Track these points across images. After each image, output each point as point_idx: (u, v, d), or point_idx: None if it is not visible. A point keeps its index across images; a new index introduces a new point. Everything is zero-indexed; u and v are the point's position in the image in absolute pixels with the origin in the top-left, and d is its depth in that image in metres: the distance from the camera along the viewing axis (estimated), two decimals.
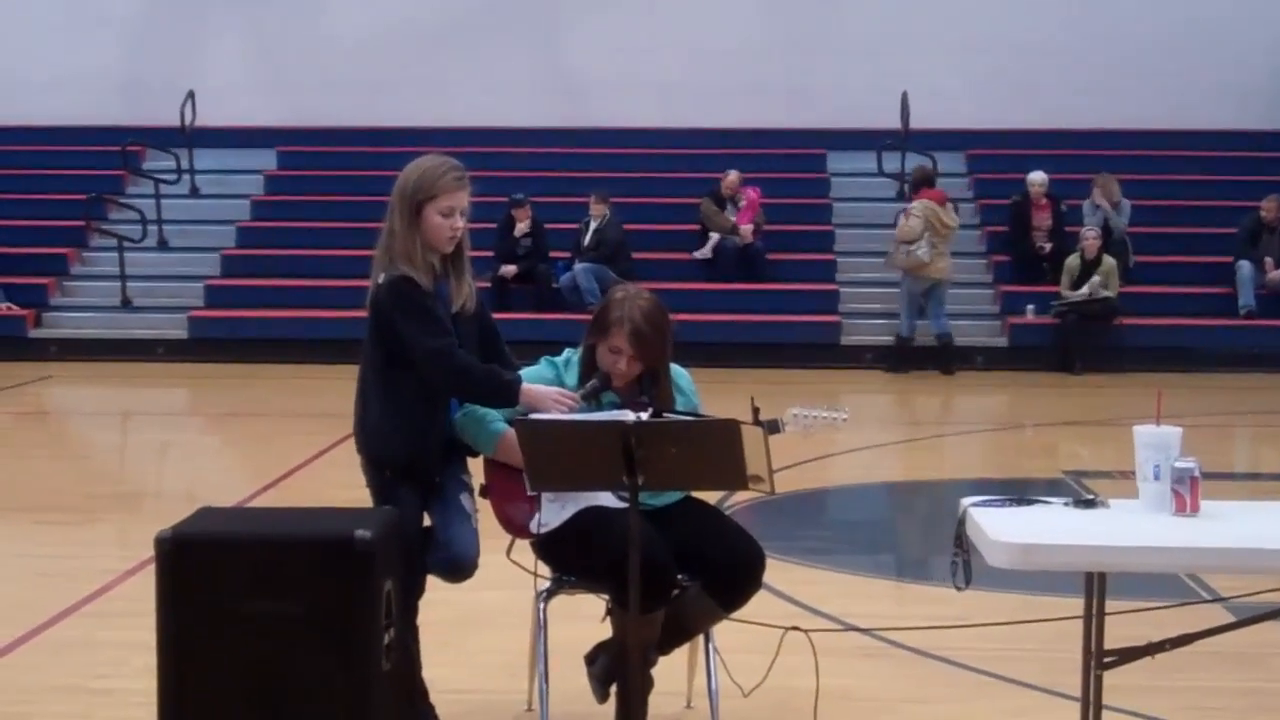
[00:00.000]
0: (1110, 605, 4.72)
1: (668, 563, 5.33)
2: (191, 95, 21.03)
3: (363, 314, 5.49)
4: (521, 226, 18.66)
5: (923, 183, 18.47)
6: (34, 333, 18.83)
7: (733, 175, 19.38)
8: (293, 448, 12.15)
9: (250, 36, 22.59)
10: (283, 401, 15.85)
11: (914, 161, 19.93)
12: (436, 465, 5.52)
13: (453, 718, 5.67)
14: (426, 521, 5.55)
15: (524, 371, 5.57)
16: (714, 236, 19.28)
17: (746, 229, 19.16)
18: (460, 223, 5.44)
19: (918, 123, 20.25)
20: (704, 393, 5.82)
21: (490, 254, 17.97)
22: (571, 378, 5.62)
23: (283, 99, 22.21)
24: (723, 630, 5.71)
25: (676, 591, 5.45)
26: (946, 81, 21.24)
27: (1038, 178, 19.08)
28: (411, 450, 5.44)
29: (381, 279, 5.39)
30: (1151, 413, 4.77)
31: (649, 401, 5.37)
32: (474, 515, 5.57)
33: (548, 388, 5.47)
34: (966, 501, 4.79)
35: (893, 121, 20.21)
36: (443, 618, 6.07)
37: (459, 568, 5.51)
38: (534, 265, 18.67)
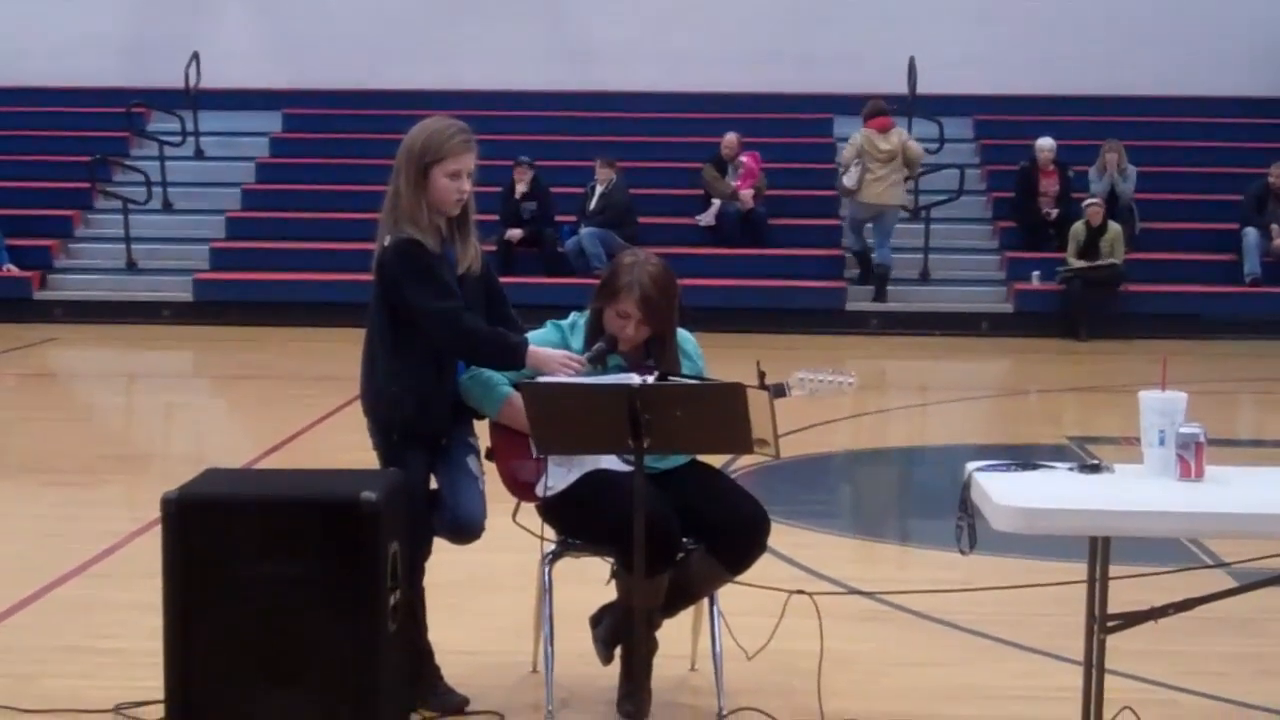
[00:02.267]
0: (1113, 570, 4.74)
1: (673, 526, 5.34)
2: (196, 57, 20.96)
3: (369, 277, 5.49)
4: (520, 188, 18.63)
5: (871, 114, 18.73)
6: (39, 295, 18.83)
7: (731, 136, 19.35)
8: (298, 410, 12.16)
9: None
10: (288, 364, 15.86)
11: (921, 128, 19.91)
12: (444, 428, 5.52)
13: (458, 679, 5.68)
14: (433, 484, 5.57)
15: (529, 335, 5.57)
16: (716, 202, 19.26)
17: (747, 194, 19.13)
18: (467, 185, 5.44)
19: (925, 88, 20.18)
20: (709, 357, 5.83)
21: (495, 218, 17.95)
22: (577, 341, 5.62)
23: (288, 62, 22.17)
24: (727, 593, 5.72)
25: (681, 555, 5.47)
26: (954, 47, 21.16)
27: (1045, 144, 19.06)
28: (419, 413, 5.44)
29: (388, 241, 5.39)
30: (1157, 379, 4.77)
31: (655, 365, 5.37)
32: (481, 477, 5.58)
33: (554, 350, 5.47)
34: (971, 466, 4.80)
35: (900, 87, 20.13)
36: (449, 580, 6.09)
37: (466, 529, 5.53)
38: (539, 229, 18.65)
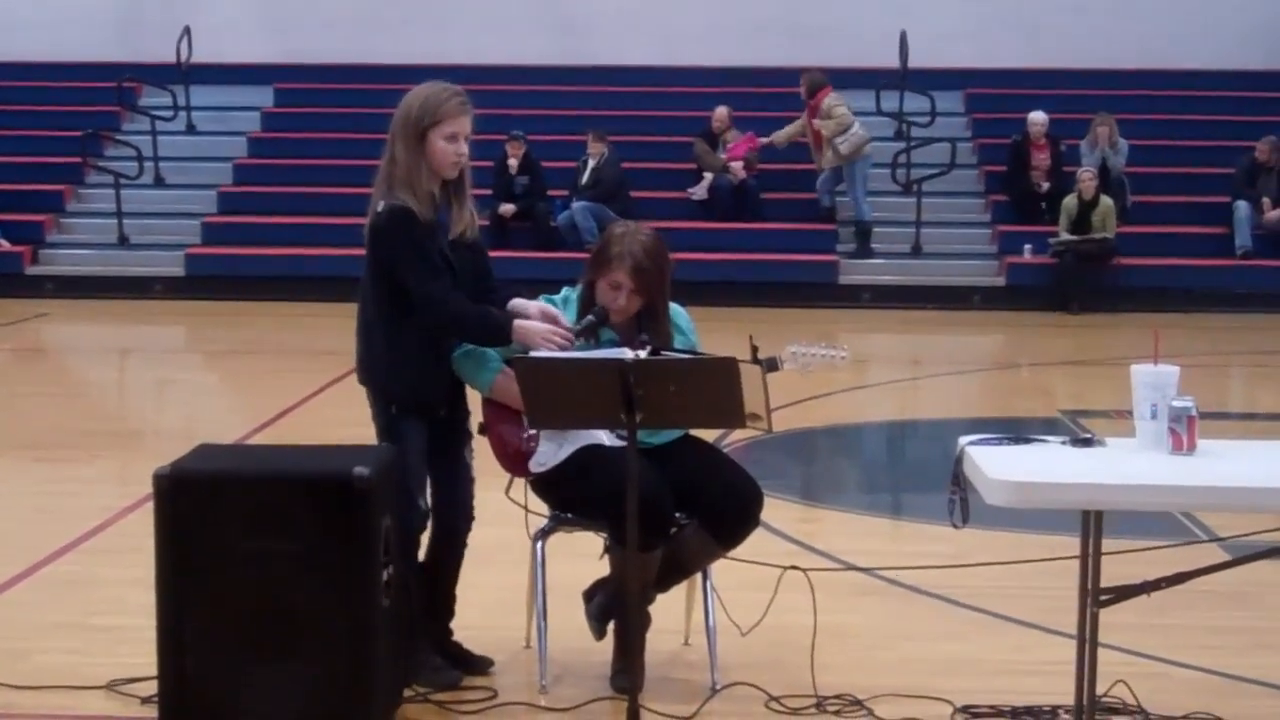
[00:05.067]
0: (1106, 544, 4.74)
1: (666, 500, 5.34)
2: (188, 31, 20.90)
3: (360, 251, 5.47)
4: (512, 162, 18.60)
5: (819, 86, 19.10)
6: (30, 269, 18.78)
7: (721, 110, 19.35)
8: (291, 385, 12.14)
9: None
10: (280, 339, 15.85)
11: (913, 102, 19.88)
12: (442, 397, 5.51)
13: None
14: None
15: None
16: (708, 176, 19.24)
17: (736, 166, 19.11)
18: (464, 148, 5.42)
19: (916, 62, 20.15)
20: (702, 331, 5.82)
21: (488, 192, 17.92)
22: (570, 316, 5.60)
23: (280, 36, 22.10)
24: (721, 568, 5.73)
25: (674, 529, 5.47)
26: (945, 21, 21.13)
27: (1038, 117, 19.04)
28: (419, 384, 5.42)
29: (381, 207, 5.35)
30: (1149, 352, 4.77)
31: (648, 340, 5.36)
32: (471, 466, 5.61)
33: (539, 324, 5.43)
34: (964, 440, 4.79)
35: (891, 61, 20.11)
36: None
37: (459, 535, 5.60)
38: (532, 204, 18.62)
